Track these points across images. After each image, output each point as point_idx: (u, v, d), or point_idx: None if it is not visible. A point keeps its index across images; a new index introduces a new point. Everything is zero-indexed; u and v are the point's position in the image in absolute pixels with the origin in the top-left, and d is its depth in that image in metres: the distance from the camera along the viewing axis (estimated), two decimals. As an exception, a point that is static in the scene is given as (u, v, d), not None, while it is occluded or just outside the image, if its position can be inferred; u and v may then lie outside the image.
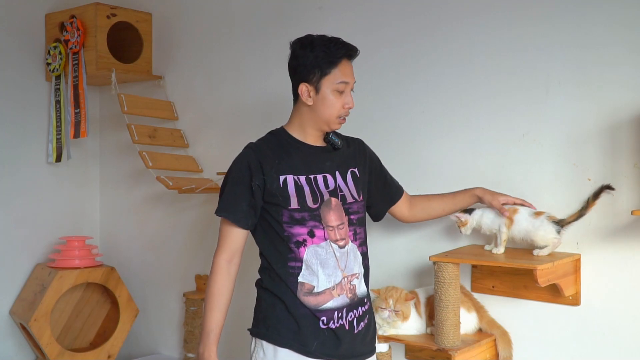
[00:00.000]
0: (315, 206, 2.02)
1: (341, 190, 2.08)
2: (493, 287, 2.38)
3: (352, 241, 2.07)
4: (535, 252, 2.17)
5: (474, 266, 2.41)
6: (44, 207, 3.41)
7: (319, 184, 2.05)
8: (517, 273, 2.29)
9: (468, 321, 2.27)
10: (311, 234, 2.01)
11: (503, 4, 2.34)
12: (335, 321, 2.00)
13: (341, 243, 2.04)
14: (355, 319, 2.05)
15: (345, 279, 2.03)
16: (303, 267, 2.00)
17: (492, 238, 2.29)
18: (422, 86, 2.53)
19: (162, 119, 3.24)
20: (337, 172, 2.10)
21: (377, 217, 2.33)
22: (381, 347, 2.33)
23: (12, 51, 3.28)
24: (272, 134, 2.14)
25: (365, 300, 2.11)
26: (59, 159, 3.33)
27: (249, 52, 2.99)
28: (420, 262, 2.54)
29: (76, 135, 3.20)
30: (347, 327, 2.02)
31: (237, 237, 2.06)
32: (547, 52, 2.26)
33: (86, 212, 3.60)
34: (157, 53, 3.32)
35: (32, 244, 3.36)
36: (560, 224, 2.15)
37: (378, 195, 2.26)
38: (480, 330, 2.32)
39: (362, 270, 2.10)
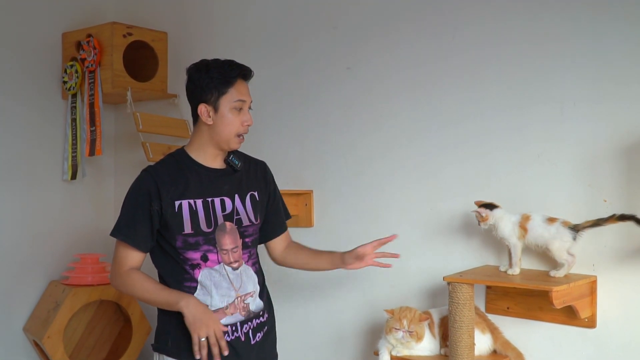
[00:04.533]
0: (209, 230, 2.09)
1: (238, 214, 2.14)
2: (508, 308, 2.37)
3: (245, 262, 2.14)
4: (552, 273, 2.17)
5: (488, 287, 2.40)
6: (58, 224, 3.43)
7: (215, 208, 2.11)
8: (532, 294, 2.28)
9: (482, 342, 2.26)
10: (204, 259, 2.08)
11: (516, 25, 2.35)
12: (230, 334, 2.08)
13: (235, 265, 2.11)
14: (250, 330, 2.13)
15: (239, 298, 2.12)
16: (198, 287, 2.09)
17: (505, 256, 2.29)
18: (437, 107, 2.54)
19: (177, 137, 3.26)
20: (236, 195, 2.16)
21: (261, 240, 2.34)
22: (395, 367, 2.33)
23: (29, 70, 3.31)
24: (171, 156, 2.19)
25: (262, 313, 2.18)
26: (74, 176, 3.35)
27: (263, 71, 3.00)
28: (434, 282, 2.53)
29: (91, 153, 3.23)
30: (243, 339, 2.11)
31: (136, 259, 2.12)
32: (561, 73, 2.26)
33: (100, 230, 3.60)
34: (172, 72, 3.35)
35: (46, 261, 3.38)
36: (576, 229, 2.14)
37: (267, 220, 2.29)
38: (494, 351, 2.30)
39: (257, 288, 2.18)
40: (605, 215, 2.11)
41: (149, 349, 3.44)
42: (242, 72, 2.12)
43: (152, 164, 2.20)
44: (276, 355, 2.26)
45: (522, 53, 2.34)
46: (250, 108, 2.15)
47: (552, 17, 2.28)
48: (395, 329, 2.29)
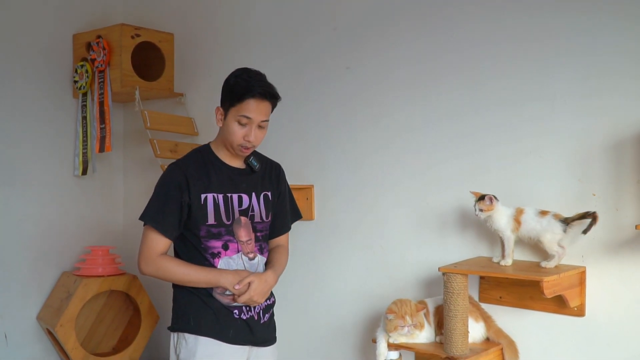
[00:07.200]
0: (229, 222, 2.22)
1: (252, 210, 2.28)
2: (500, 297, 2.41)
3: (260, 254, 2.28)
4: (542, 264, 2.21)
5: (481, 277, 2.44)
6: (70, 218, 3.47)
7: (233, 203, 2.25)
8: (523, 284, 2.32)
9: (476, 330, 2.31)
10: (225, 247, 2.22)
11: (509, 23, 2.38)
12: (246, 313, 2.27)
13: (251, 256, 2.26)
14: (261, 310, 2.30)
15: None
16: None
17: (498, 247, 2.33)
18: (432, 104, 2.57)
19: (183, 134, 3.30)
20: (252, 194, 2.29)
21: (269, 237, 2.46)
22: (392, 354, 2.37)
23: (41, 70, 3.34)
24: (197, 151, 2.31)
25: (269, 296, 2.34)
26: (84, 172, 3.39)
27: (265, 70, 3.03)
28: (430, 273, 2.58)
29: (101, 149, 3.26)
30: (256, 318, 2.29)
31: (164, 246, 2.23)
32: (553, 70, 2.28)
33: (110, 223, 3.65)
34: (178, 71, 3.38)
35: (58, 253, 3.42)
36: (566, 222, 2.18)
37: (273, 219, 2.41)
38: (487, 339, 2.34)
39: None
40: (595, 210, 2.16)
41: (157, 337, 3.53)
42: (258, 92, 2.16)
43: (176, 159, 2.31)
44: (275, 339, 2.39)
45: (515, 51, 2.36)
46: (260, 127, 2.21)
47: (544, 15, 2.30)
48: (401, 326, 2.31)
